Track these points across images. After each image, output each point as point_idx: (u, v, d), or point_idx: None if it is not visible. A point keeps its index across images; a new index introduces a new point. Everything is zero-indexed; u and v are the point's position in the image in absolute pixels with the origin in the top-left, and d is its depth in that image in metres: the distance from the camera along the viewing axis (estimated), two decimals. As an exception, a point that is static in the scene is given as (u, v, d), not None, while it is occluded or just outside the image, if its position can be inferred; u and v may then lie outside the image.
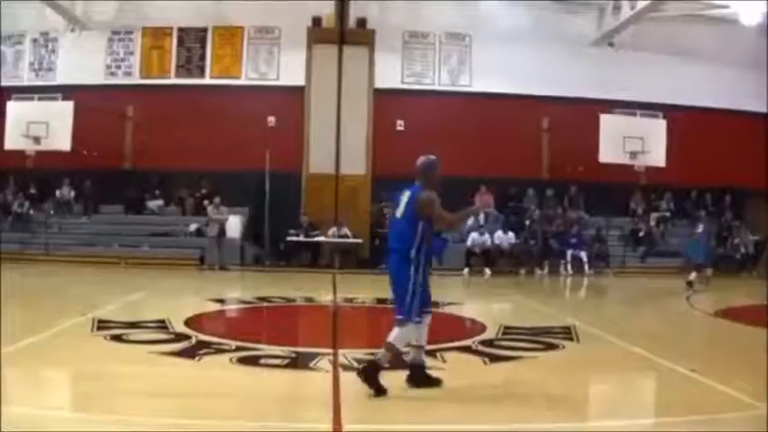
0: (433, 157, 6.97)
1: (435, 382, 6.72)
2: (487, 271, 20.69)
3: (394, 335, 6.51)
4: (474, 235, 21.28)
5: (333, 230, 21.49)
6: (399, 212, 6.80)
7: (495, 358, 8.31)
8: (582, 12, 24.48)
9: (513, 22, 23.50)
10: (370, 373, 6.39)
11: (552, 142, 23.15)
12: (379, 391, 6.30)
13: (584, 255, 21.47)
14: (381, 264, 20.63)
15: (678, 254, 22.36)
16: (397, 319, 6.55)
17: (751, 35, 24.66)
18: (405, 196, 6.80)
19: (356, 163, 22.55)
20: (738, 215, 24.67)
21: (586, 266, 21.38)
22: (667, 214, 24.10)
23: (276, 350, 8.46)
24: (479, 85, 23.78)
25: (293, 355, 8.39)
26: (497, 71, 23.34)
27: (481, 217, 21.35)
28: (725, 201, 24.17)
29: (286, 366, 7.83)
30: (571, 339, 9.79)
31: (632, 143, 22.40)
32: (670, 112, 23.53)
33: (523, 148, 22.47)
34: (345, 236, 21.47)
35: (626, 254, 22.67)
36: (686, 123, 23.42)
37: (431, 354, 7.93)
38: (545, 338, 9.56)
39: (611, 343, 10.01)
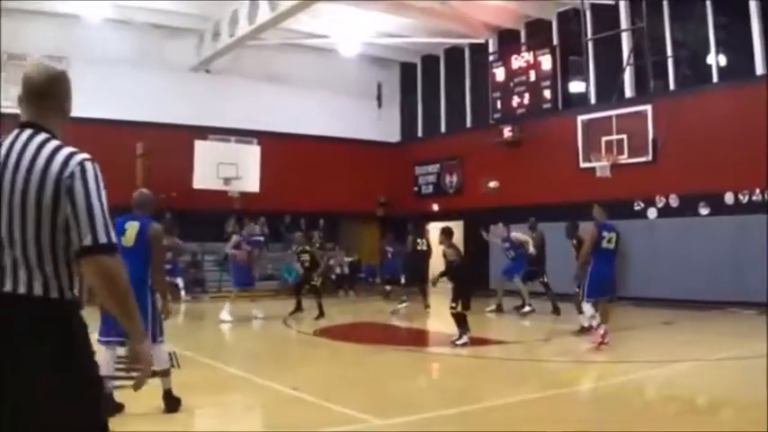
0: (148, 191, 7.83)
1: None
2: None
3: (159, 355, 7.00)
4: None
5: None
6: (130, 241, 7.14)
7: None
8: (182, 37, 24.01)
9: (113, 46, 22.42)
10: (173, 400, 7.05)
11: (147, 169, 22.33)
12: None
13: (179, 281, 20.95)
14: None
15: (273, 276, 22.74)
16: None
17: (350, 65, 25.93)
18: (132, 226, 7.27)
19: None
20: (333, 238, 25.54)
21: (182, 292, 20.86)
22: (261, 239, 24.27)
23: None
24: (74, 110, 22.19)
25: None
26: (95, 95, 22.00)
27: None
28: (319, 224, 24.81)
29: None
30: (172, 366, 9.30)
31: (226, 169, 22.30)
32: (264, 138, 23.89)
33: (118, 175, 21.34)
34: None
35: (222, 278, 22.45)
36: (282, 149, 23.92)
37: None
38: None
39: (211, 367, 9.95)
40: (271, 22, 20.71)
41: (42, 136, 2.94)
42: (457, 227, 22.04)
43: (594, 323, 11.43)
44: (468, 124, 26.19)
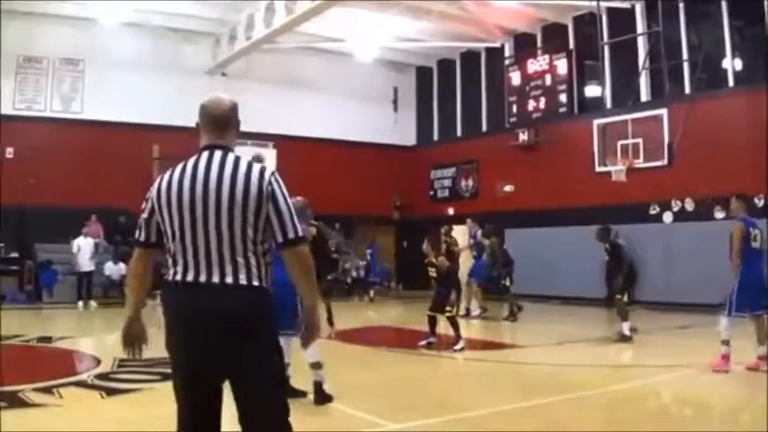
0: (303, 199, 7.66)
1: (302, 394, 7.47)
2: (93, 303, 19.61)
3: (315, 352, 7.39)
4: (109, 264, 20.76)
5: None
6: None
7: (111, 391, 8.17)
8: (198, 41, 24.18)
9: (129, 49, 22.58)
10: (321, 393, 7.47)
11: (163, 172, 22.40)
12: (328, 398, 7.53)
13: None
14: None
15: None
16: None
17: (366, 69, 25.95)
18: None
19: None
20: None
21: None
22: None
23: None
24: (91, 113, 22.55)
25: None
26: (111, 98, 22.30)
27: (90, 248, 20.14)
28: (335, 227, 24.82)
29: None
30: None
31: (242, 172, 22.35)
32: (280, 141, 23.93)
33: (134, 178, 21.51)
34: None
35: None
36: (298, 153, 23.94)
37: (47, 390, 7.81)
38: (161, 369, 8.96)
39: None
40: (287, 26, 20.83)
41: (233, 155, 3.61)
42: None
43: (725, 349, 9.38)
44: (484, 128, 26.18)
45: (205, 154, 3.61)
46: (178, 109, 22.57)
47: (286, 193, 3.55)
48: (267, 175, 3.53)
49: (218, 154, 3.59)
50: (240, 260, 3.44)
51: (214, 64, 24.44)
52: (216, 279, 3.43)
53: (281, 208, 3.50)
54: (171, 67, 23.31)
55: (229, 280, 3.43)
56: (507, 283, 17.03)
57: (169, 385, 7.99)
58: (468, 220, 18.41)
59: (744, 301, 9.23)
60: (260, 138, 23.84)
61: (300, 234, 3.54)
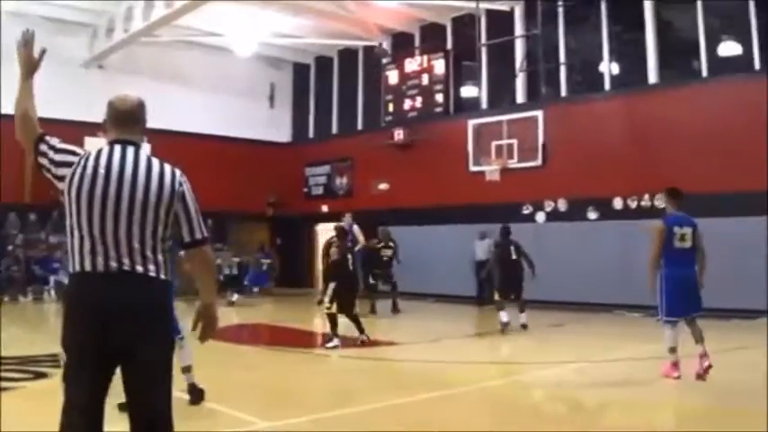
0: None
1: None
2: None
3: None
4: None
5: None
6: None
7: (-17, 391, 7.87)
8: (75, 31, 23.09)
9: (3, 38, 21.28)
10: (195, 392, 7.25)
11: (34, 166, 21.29)
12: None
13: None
14: None
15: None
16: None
17: (243, 64, 25.44)
18: None
19: None
20: (221, 238, 25.05)
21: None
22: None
23: None
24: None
25: None
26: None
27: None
28: (207, 223, 24.28)
29: None
30: (58, 367, 8.90)
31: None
32: (155, 135, 23.12)
33: (6, 172, 20.44)
34: None
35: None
36: (172, 147, 23.18)
37: None
38: (32, 367, 9.20)
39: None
40: (165, 19, 20.16)
41: (144, 152, 3.76)
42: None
43: (674, 357, 8.51)
44: (360, 126, 26.07)
45: (117, 148, 3.68)
46: (52, 101, 21.38)
47: (193, 195, 3.75)
48: (178, 175, 3.71)
49: (130, 150, 3.68)
50: (149, 254, 3.55)
51: (91, 56, 23.43)
52: (127, 268, 3.50)
53: (189, 208, 3.70)
54: (46, 57, 22.12)
55: (140, 269, 3.52)
56: (395, 279, 17.13)
57: (43, 384, 7.74)
58: (348, 215, 18.13)
59: (675, 305, 8.42)
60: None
61: (206, 235, 3.77)
